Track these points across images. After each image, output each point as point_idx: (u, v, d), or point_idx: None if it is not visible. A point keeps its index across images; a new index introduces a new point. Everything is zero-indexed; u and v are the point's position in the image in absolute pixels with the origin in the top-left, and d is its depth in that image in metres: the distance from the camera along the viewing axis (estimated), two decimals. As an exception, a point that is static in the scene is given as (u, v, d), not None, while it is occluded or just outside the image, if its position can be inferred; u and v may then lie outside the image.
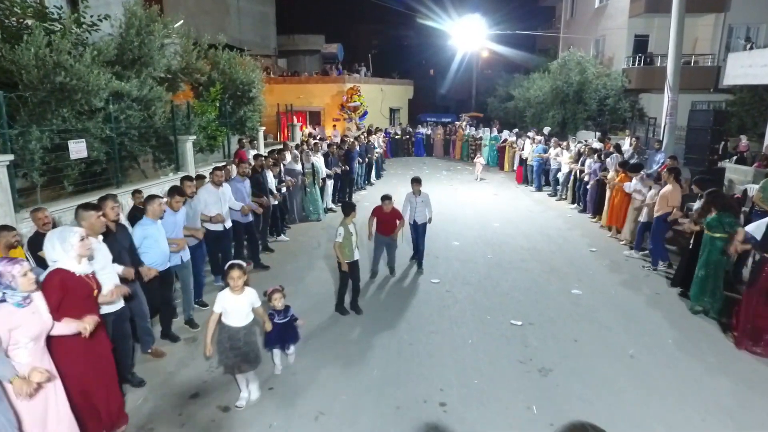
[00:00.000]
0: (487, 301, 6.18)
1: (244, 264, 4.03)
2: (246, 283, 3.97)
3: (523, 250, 8.37)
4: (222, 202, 6.16)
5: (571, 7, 25.49)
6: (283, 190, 8.64)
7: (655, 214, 7.25)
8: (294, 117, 20.10)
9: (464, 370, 4.65)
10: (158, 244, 4.73)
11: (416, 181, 7.36)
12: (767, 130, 13.23)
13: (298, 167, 9.55)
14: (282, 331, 4.50)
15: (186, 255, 5.37)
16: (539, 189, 14.15)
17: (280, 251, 8.25)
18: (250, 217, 6.98)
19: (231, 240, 6.61)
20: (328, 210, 11.08)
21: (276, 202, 8.18)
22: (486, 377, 4.53)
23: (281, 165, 8.74)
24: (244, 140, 11.13)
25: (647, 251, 7.93)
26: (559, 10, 29.52)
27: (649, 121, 15.51)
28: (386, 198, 6.67)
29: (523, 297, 6.32)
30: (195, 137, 9.43)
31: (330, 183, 11.04)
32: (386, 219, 6.73)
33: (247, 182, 7.05)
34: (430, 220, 7.42)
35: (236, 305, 3.95)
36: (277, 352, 4.58)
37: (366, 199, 12.86)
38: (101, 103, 6.80)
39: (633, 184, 8.34)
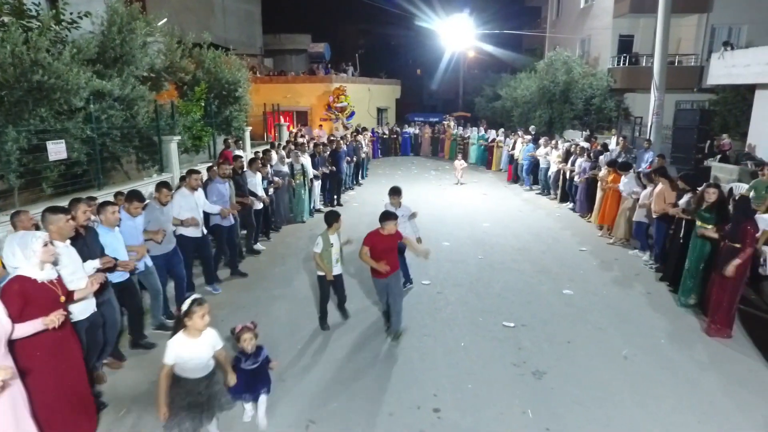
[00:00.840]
0: (479, 303, 6.11)
1: (204, 300, 3.36)
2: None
3: (514, 251, 8.33)
4: (197, 207, 5.94)
5: (557, 7, 25.65)
6: (271, 191, 8.47)
7: (655, 215, 7.12)
8: (281, 117, 19.91)
9: (458, 374, 4.56)
10: (117, 253, 4.52)
11: (395, 193, 5.99)
12: (749, 129, 13.44)
13: (285, 168, 9.37)
14: (251, 378, 3.74)
15: (149, 260, 5.17)
16: (530, 188, 14.21)
17: (266, 254, 8.09)
18: (233, 220, 6.75)
19: (211, 246, 6.41)
20: (316, 211, 10.93)
21: (261, 206, 7.98)
22: (480, 381, 4.45)
23: (269, 166, 8.56)
24: (229, 140, 10.92)
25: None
26: (544, 11, 29.71)
27: (635, 120, 15.61)
28: (389, 217, 4.95)
29: (515, 298, 6.26)
30: (179, 137, 9.22)
31: (317, 183, 10.89)
32: (386, 247, 5.00)
33: (229, 183, 6.83)
34: (419, 240, 6.14)
35: (194, 352, 3.22)
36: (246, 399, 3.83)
37: (355, 200, 12.76)
38: (81, 102, 6.59)
39: (625, 183, 8.33)
